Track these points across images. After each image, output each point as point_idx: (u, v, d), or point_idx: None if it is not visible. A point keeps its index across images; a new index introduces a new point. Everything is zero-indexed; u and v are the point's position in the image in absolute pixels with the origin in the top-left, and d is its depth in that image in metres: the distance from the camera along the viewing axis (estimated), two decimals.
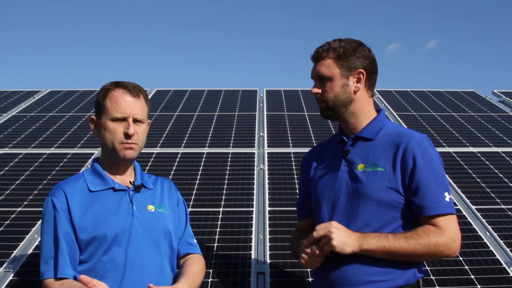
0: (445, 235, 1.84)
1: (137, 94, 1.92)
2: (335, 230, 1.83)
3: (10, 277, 2.61)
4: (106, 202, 1.86)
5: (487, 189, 3.57)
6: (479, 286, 2.55)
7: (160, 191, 2.01)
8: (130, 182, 1.93)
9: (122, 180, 1.94)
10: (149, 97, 5.80)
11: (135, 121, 1.90)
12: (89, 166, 2.00)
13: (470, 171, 3.85)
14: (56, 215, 1.84)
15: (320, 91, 2.00)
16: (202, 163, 3.95)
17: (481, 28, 20.42)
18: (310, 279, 2.58)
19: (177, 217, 2.02)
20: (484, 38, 21.31)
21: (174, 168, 3.86)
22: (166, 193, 2.02)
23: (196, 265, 1.96)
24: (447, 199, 1.88)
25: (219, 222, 3.11)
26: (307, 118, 5.01)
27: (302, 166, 2.21)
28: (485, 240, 2.96)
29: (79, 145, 4.33)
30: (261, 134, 4.60)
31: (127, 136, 1.86)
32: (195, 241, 2.06)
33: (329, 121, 4.11)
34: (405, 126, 4.68)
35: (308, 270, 2.62)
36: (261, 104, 5.53)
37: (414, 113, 5.22)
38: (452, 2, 20.80)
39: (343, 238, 1.82)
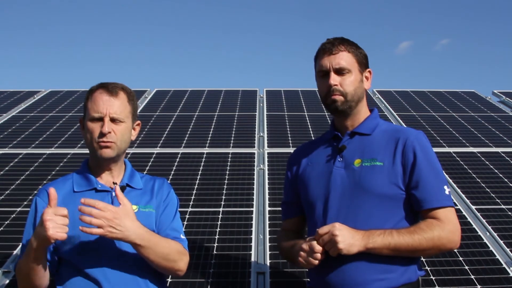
0: (446, 228, 1.86)
1: (115, 93, 1.90)
2: (339, 232, 1.80)
3: (10, 277, 2.61)
4: None
5: (487, 189, 3.57)
6: (479, 286, 2.55)
7: (150, 190, 1.99)
8: (114, 183, 1.93)
9: (107, 181, 1.94)
10: (149, 97, 5.80)
11: (113, 120, 1.88)
12: None
13: (470, 171, 3.85)
14: (36, 214, 1.87)
15: (338, 83, 1.97)
16: (202, 163, 3.95)
17: (481, 28, 20.42)
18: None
19: (160, 211, 1.98)
20: (484, 38, 21.32)
21: (174, 168, 3.86)
22: (156, 191, 2.00)
23: (175, 243, 1.90)
24: (446, 192, 1.91)
25: (219, 222, 3.11)
26: (307, 118, 5.00)
27: (289, 165, 2.19)
28: (485, 240, 2.96)
29: (79, 145, 4.33)
30: (261, 134, 4.60)
31: (102, 134, 1.86)
32: (183, 236, 1.99)
33: (329, 120, 4.11)
34: (405, 127, 4.68)
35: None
36: (261, 104, 5.53)
37: (414, 113, 5.22)
38: (452, 2, 20.81)
39: (348, 240, 1.80)
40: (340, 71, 1.97)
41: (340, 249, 1.80)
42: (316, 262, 1.85)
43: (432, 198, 1.88)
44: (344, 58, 1.97)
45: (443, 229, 1.85)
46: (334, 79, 1.96)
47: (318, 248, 1.83)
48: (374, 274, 1.85)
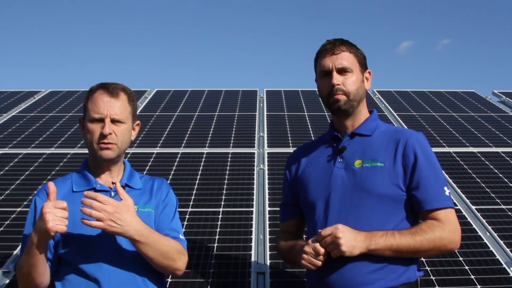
0: (447, 228, 1.87)
1: (116, 94, 1.90)
2: (342, 234, 1.80)
3: (10, 277, 2.61)
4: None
5: (487, 189, 3.57)
6: (479, 286, 2.55)
7: (149, 190, 1.99)
8: (113, 183, 1.93)
9: (106, 181, 1.94)
10: (149, 97, 5.80)
11: (114, 121, 1.88)
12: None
13: (470, 171, 3.85)
14: (35, 213, 1.87)
15: (341, 82, 1.98)
16: (202, 163, 3.95)
17: (481, 28, 20.43)
18: None
19: (159, 211, 1.97)
20: (484, 38, 21.33)
21: (174, 168, 3.86)
22: (155, 191, 2.00)
23: (174, 242, 1.90)
24: (446, 193, 1.92)
25: (219, 222, 3.11)
26: (307, 118, 5.00)
27: (287, 166, 2.18)
28: (485, 240, 2.96)
29: (79, 145, 4.33)
30: (261, 134, 4.60)
31: (102, 136, 1.86)
32: (182, 236, 1.99)
33: (329, 120, 4.10)
34: (405, 127, 4.68)
35: None
36: (261, 104, 5.53)
37: (414, 113, 5.22)
38: (453, 2, 20.82)
39: (351, 242, 1.80)
40: (342, 71, 1.98)
41: (343, 251, 1.80)
42: (320, 263, 1.85)
43: (432, 199, 1.89)
44: (346, 58, 1.98)
45: (444, 230, 1.86)
46: (336, 78, 1.97)
47: (322, 250, 1.84)
48: (374, 274, 1.85)
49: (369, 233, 1.83)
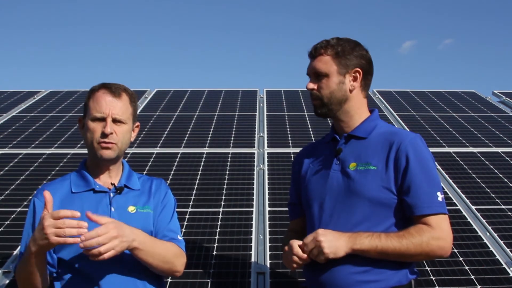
0: (437, 234, 1.83)
1: (118, 94, 1.90)
2: (323, 237, 1.81)
3: (10, 277, 2.61)
4: (85, 203, 1.86)
5: (487, 189, 3.57)
6: (479, 286, 2.55)
7: (148, 191, 1.99)
8: (112, 184, 1.92)
9: (105, 181, 1.93)
10: (149, 97, 5.80)
11: (115, 121, 1.88)
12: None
13: (470, 171, 3.85)
14: (34, 215, 1.86)
15: (315, 87, 1.99)
16: (202, 163, 3.95)
17: (482, 28, 20.44)
18: None
19: (158, 212, 1.97)
20: (485, 38, 21.34)
21: (174, 168, 3.86)
22: (154, 191, 2.00)
23: (171, 244, 1.90)
24: (439, 198, 1.87)
25: (219, 222, 3.11)
26: (307, 118, 5.01)
27: (293, 166, 2.19)
28: (485, 240, 2.96)
29: (79, 145, 4.33)
30: (261, 134, 4.60)
31: (104, 135, 1.85)
32: (181, 237, 1.99)
33: (329, 121, 4.12)
34: (405, 127, 4.68)
35: None
36: (261, 105, 5.53)
37: (414, 113, 5.22)
38: (455, 1, 20.83)
39: (334, 243, 1.80)
40: (317, 76, 1.99)
41: (327, 253, 1.79)
42: (294, 265, 1.87)
43: (423, 205, 1.85)
44: (321, 62, 1.98)
45: (433, 236, 1.82)
46: (309, 84, 2.00)
47: (296, 247, 1.84)
48: (364, 275, 1.84)
49: (354, 234, 1.83)
